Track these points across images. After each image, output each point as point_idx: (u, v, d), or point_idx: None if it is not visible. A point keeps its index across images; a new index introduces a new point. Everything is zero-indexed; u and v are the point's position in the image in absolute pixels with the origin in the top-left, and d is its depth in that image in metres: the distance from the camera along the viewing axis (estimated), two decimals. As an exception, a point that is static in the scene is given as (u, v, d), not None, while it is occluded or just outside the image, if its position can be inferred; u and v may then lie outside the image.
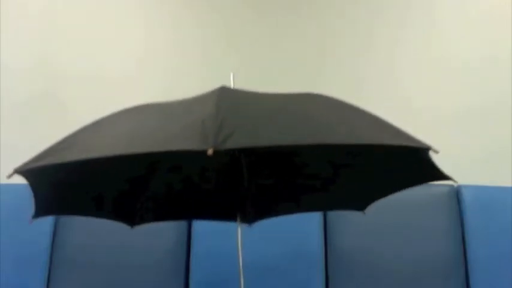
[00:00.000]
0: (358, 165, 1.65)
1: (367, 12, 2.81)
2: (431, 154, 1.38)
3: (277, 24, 2.82)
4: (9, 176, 1.32)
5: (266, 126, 1.24)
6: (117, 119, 1.47)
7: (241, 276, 1.72)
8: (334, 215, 2.40)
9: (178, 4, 2.89)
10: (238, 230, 1.77)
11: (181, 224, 2.40)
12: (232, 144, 1.14)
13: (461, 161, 2.61)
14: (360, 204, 1.83)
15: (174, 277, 2.36)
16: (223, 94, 1.39)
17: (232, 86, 1.58)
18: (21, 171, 1.37)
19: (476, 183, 2.46)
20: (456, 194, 2.44)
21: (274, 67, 2.77)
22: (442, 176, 1.46)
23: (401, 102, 2.71)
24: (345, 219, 2.37)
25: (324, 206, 2.05)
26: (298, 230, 2.34)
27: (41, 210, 1.54)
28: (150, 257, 2.36)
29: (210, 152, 1.07)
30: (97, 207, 1.74)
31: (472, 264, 2.32)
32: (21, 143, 2.72)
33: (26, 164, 1.36)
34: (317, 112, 1.38)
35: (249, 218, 1.91)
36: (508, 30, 2.70)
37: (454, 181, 1.49)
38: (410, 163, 1.47)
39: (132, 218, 1.85)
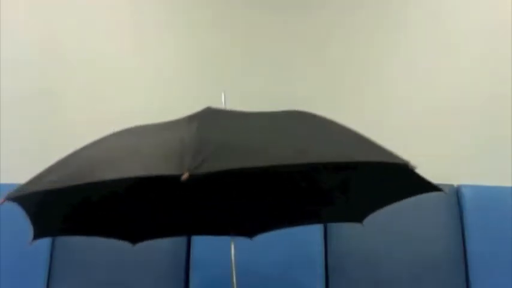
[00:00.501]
0: (348, 180, 1.67)
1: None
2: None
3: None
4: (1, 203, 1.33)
5: (246, 148, 1.24)
6: (100, 143, 1.50)
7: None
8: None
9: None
10: (231, 245, 1.78)
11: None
12: (207, 168, 1.13)
13: (461, 161, 2.62)
14: (358, 216, 1.85)
15: (174, 279, 2.36)
16: (206, 116, 1.42)
17: (223, 104, 1.62)
18: (12, 198, 1.39)
19: (476, 183, 2.47)
20: (456, 193, 2.45)
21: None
22: (432, 188, 1.49)
23: (401, 102, 2.71)
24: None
25: (323, 218, 2.06)
26: (298, 232, 2.34)
27: (39, 233, 1.59)
28: (150, 257, 2.35)
29: (185, 176, 1.08)
30: (95, 228, 1.78)
31: (472, 263, 2.32)
32: (21, 143, 2.73)
33: (15, 192, 1.39)
34: (301, 131, 1.40)
35: (248, 232, 1.94)
36: (508, 29, 2.69)
37: (444, 192, 1.54)
38: (398, 178, 1.47)
39: (132, 236, 1.91)
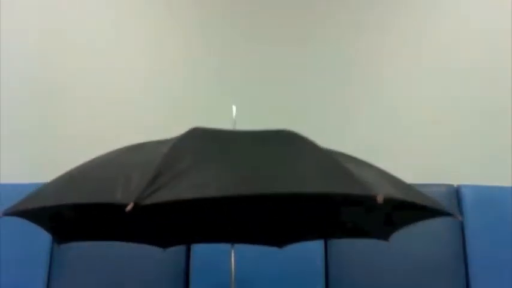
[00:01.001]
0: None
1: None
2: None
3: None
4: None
5: (205, 175, 1.19)
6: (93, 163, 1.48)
7: None
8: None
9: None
10: (231, 254, 1.76)
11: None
12: (156, 198, 1.10)
13: (461, 161, 2.62)
14: (382, 235, 1.80)
15: (174, 282, 2.37)
16: (184, 139, 1.37)
17: (233, 118, 1.60)
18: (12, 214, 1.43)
19: (476, 183, 2.47)
20: (456, 194, 2.44)
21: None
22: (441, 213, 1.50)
23: (401, 102, 2.72)
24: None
25: (343, 235, 1.99)
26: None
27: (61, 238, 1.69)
28: (150, 258, 2.35)
29: (129, 207, 1.06)
30: (123, 234, 1.79)
31: (472, 263, 2.32)
32: (21, 143, 2.73)
33: (14, 207, 1.43)
34: (288, 159, 1.32)
35: (277, 241, 1.91)
36: (508, 28, 2.69)
37: (456, 217, 1.53)
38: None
39: (161, 241, 1.91)
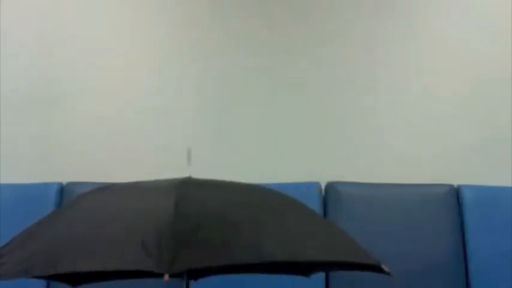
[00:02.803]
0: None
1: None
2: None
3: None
4: None
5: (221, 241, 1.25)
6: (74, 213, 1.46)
7: None
8: (334, 217, 2.40)
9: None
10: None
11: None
12: (188, 265, 1.17)
13: (461, 161, 2.62)
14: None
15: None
16: (186, 194, 1.38)
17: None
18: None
19: (476, 183, 2.47)
20: (456, 193, 2.44)
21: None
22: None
23: (401, 103, 2.71)
24: (345, 220, 2.37)
25: None
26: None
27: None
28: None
29: (166, 278, 1.08)
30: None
31: (472, 263, 2.32)
32: (22, 143, 2.73)
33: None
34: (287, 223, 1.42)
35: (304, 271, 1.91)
36: (509, 29, 2.69)
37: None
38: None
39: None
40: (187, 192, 1.39)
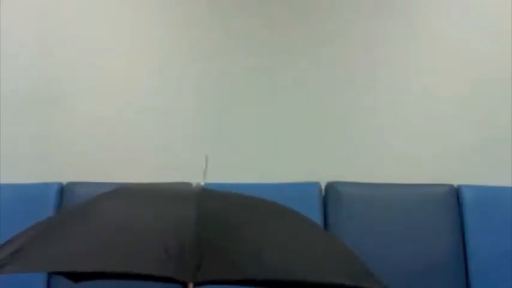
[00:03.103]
0: None
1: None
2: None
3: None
4: None
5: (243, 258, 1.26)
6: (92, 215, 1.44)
7: None
8: (334, 217, 2.40)
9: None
10: None
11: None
12: (210, 276, 1.14)
13: (461, 161, 2.62)
14: None
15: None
16: (204, 205, 1.37)
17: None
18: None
19: (476, 183, 2.47)
20: (456, 193, 2.45)
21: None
22: None
23: (401, 103, 2.71)
24: (345, 220, 2.37)
25: None
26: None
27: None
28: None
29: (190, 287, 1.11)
30: None
31: (471, 264, 2.32)
32: (21, 143, 2.73)
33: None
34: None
35: None
36: (509, 29, 2.69)
37: None
38: None
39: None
40: (207, 203, 1.39)
